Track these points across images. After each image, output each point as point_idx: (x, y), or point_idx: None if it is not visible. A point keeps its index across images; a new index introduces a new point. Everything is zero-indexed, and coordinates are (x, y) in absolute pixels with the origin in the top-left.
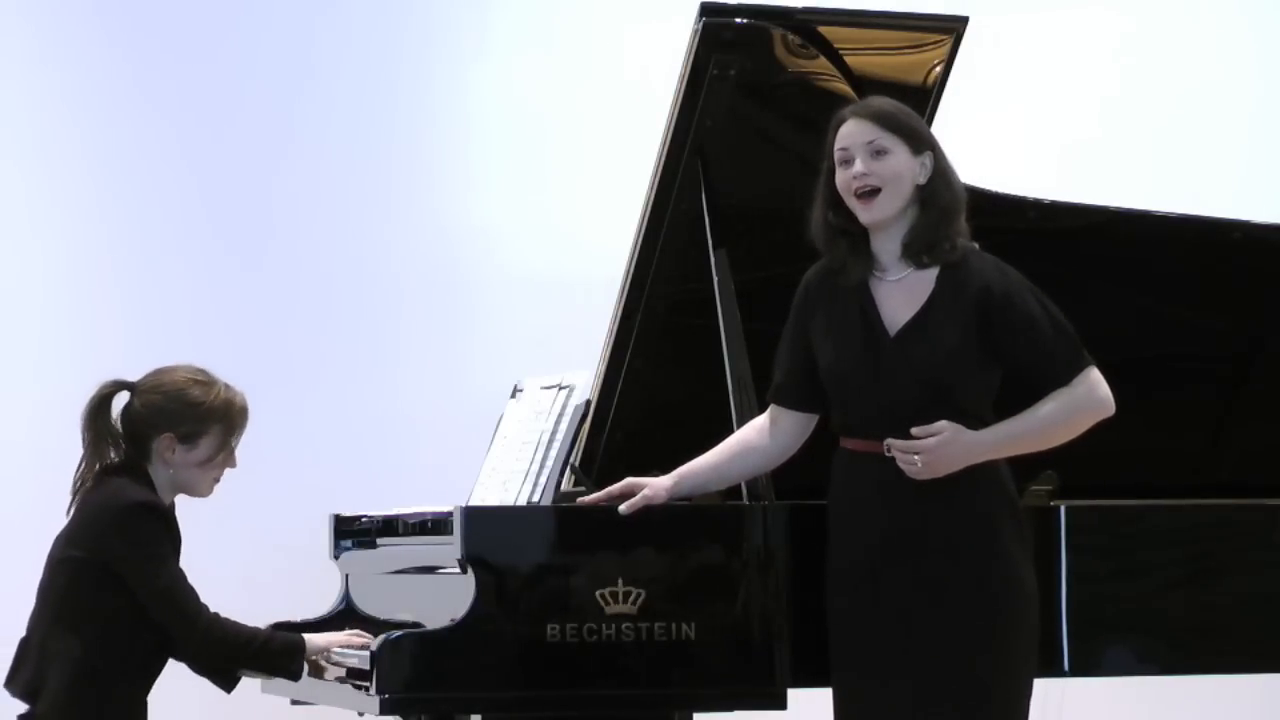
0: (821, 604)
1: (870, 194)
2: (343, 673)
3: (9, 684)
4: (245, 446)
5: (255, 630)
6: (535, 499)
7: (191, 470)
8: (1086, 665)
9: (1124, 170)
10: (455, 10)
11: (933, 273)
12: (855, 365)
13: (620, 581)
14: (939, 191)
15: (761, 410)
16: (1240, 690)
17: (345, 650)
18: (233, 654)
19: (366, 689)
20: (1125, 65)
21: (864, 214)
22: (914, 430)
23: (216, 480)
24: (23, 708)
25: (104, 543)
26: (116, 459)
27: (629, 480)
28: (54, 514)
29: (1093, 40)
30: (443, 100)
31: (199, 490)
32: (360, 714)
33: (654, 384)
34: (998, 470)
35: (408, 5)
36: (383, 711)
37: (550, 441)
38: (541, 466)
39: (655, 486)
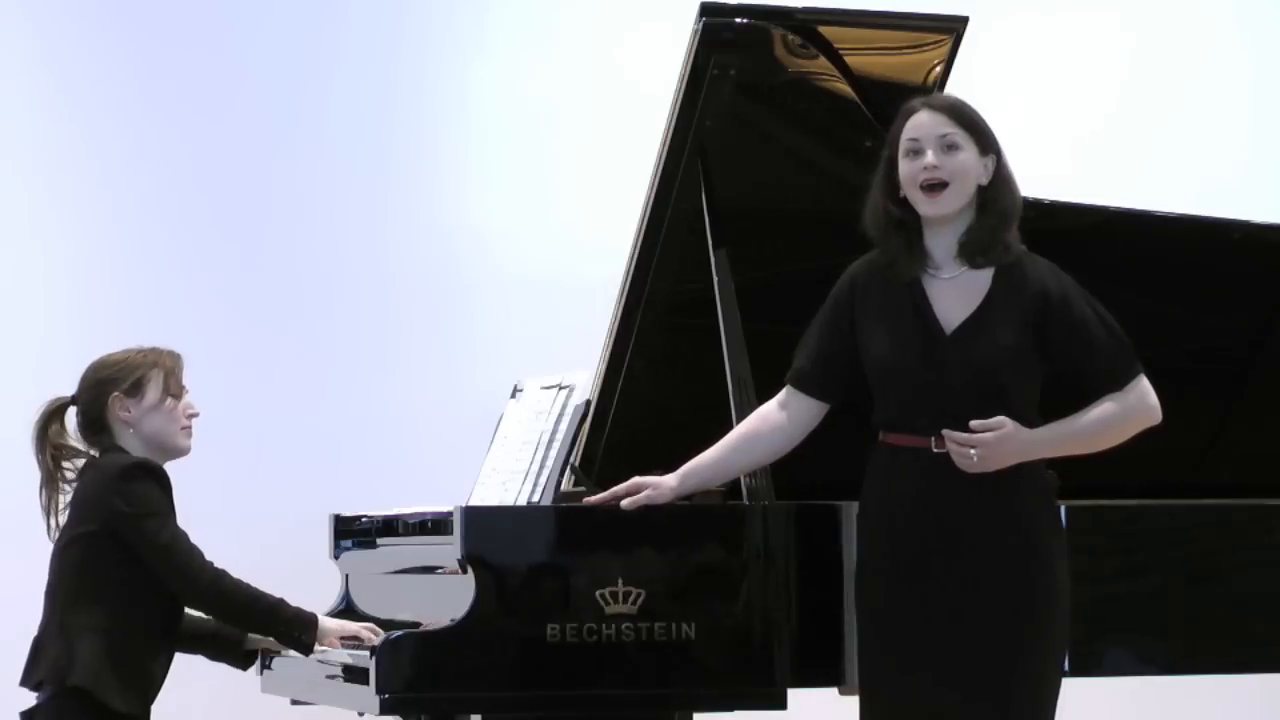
0: (823, 603)
1: (937, 187)
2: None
3: (28, 679)
4: (247, 446)
5: (265, 593)
6: (535, 499)
7: (151, 418)
8: (1086, 665)
9: (1124, 170)
10: (455, 9)
11: (987, 273)
12: (910, 361)
13: (620, 581)
14: (1001, 195)
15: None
16: (1240, 690)
17: (356, 652)
18: (237, 612)
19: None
20: (1125, 65)
21: (928, 206)
22: (973, 424)
23: (187, 431)
24: (25, 705)
25: (106, 507)
26: (72, 472)
27: (635, 480)
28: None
29: (1092, 40)
30: (442, 100)
31: (173, 440)
32: (360, 714)
33: (654, 384)
34: (1038, 470)
35: (407, 4)
36: (383, 711)
37: (550, 441)
38: (541, 466)
39: (659, 485)
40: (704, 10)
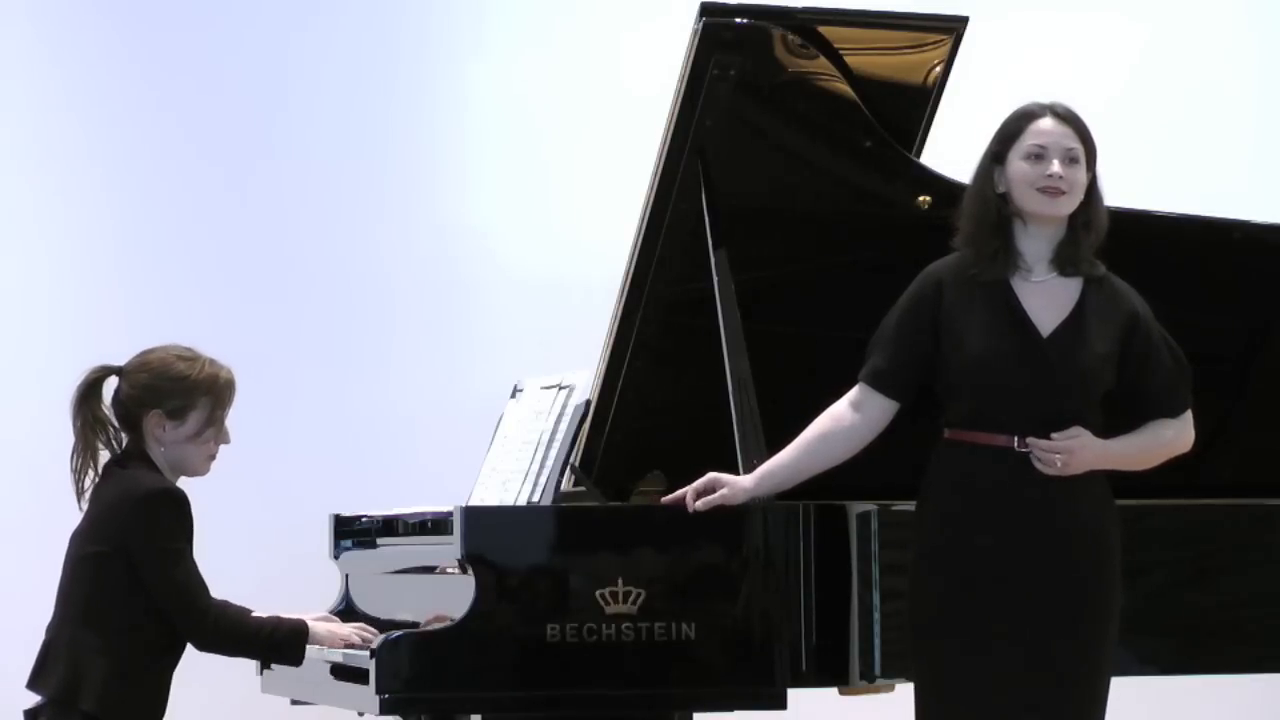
0: (828, 603)
1: (1058, 194)
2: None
3: (35, 685)
4: (246, 446)
5: (260, 625)
6: (535, 499)
7: (183, 447)
8: None
9: (1124, 170)
10: (453, 9)
11: (1075, 282)
12: (1007, 360)
13: (620, 581)
14: (1097, 213)
15: (761, 410)
16: (1240, 690)
17: (351, 652)
18: (237, 647)
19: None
20: (1125, 65)
21: (1047, 207)
22: (1054, 435)
23: (212, 458)
24: (28, 703)
25: (125, 533)
26: (110, 446)
27: (712, 475)
28: (55, 511)
29: (1092, 40)
30: (441, 100)
31: (194, 467)
32: (360, 714)
33: (654, 384)
34: (1104, 475)
35: (405, 4)
36: (383, 711)
37: (550, 441)
38: (541, 466)
39: (735, 485)
40: (704, 10)
